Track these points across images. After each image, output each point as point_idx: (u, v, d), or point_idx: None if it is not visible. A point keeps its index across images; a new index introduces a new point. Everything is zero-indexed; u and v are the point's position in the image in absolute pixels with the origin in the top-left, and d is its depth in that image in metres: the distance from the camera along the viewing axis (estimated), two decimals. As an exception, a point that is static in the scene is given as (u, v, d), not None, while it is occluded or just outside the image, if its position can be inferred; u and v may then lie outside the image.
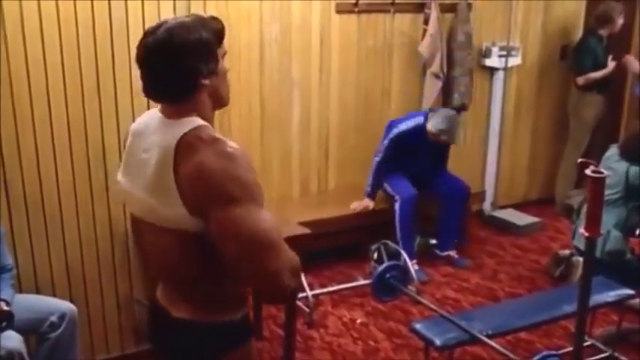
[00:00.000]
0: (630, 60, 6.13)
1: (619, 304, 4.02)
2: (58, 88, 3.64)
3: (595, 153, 5.59)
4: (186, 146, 1.86)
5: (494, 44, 5.99)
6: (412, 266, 5.01)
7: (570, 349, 3.05)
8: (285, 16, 4.87)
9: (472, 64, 5.80)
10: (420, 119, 5.15)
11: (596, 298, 3.68)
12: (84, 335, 3.82)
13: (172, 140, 1.88)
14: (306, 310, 4.48)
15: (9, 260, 3.46)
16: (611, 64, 6.03)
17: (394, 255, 4.76)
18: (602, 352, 3.96)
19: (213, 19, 1.98)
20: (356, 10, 5.20)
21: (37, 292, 3.74)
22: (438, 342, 3.39)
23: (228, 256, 1.83)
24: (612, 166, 4.18)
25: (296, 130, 5.16)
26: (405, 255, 4.84)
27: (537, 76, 6.47)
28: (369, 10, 5.28)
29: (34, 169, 3.66)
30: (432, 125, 5.06)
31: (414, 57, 5.56)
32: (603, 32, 6.05)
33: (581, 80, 6.10)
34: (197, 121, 1.92)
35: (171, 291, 2.10)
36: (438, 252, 5.41)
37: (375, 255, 4.84)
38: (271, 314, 4.42)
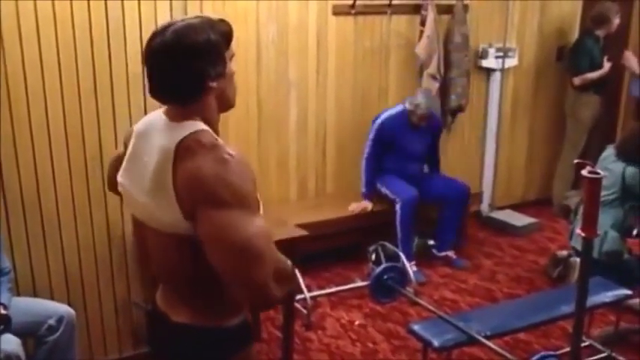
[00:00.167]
0: (628, 56, 6.13)
1: (617, 305, 4.03)
2: (55, 90, 3.64)
3: (592, 153, 5.60)
4: (185, 150, 1.85)
5: (490, 45, 6.00)
6: (410, 267, 5.01)
7: (568, 349, 3.04)
8: (281, 17, 4.87)
9: (469, 66, 5.81)
10: (400, 106, 5.24)
11: (594, 299, 3.69)
12: (82, 338, 3.82)
13: (172, 143, 1.87)
14: (304, 311, 4.47)
15: (6, 263, 3.45)
16: (607, 65, 6.04)
17: (392, 256, 4.76)
18: (600, 352, 3.96)
19: (222, 21, 1.96)
20: (353, 11, 5.20)
21: (35, 295, 3.73)
22: (436, 343, 3.40)
23: (215, 262, 1.82)
24: (609, 166, 4.19)
25: (293, 131, 5.16)
26: (403, 256, 4.84)
27: (534, 77, 6.47)
28: (366, 11, 5.28)
29: (32, 173, 3.66)
30: (409, 103, 5.15)
31: (410, 58, 5.56)
32: (600, 33, 6.05)
33: (577, 81, 6.10)
34: (199, 125, 1.91)
35: (170, 294, 2.09)
36: (435, 252, 5.41)
37: (373, 256, 4.84)
38: (269, 316, 4.42)
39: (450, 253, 5.39)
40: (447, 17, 5.64)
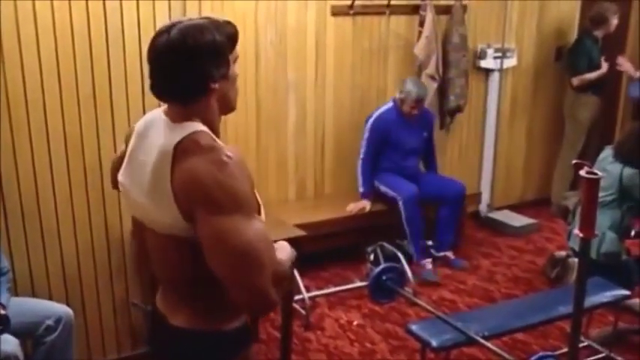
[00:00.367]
0: (622, 61, 6.15)
1: (615, 305, 4.03)
2: (54, 96, 3.64)
3: (590, 154, 5.61)
4: (183, 151, 1.84)
5: (489, 46, 6.00)
6: (426, 265, 5.03)
7: (567, 349, 3.04)
8: (280, 18, 4.87)
9: (467, 66, 5.81)
10: (389, 102, 5.29)
11: (592, 299, 3.69)
12: (80, 339, 3.82)
13: (170, 144, 1.86)
14: (303, 312, 4.48)
15: (5, 263, 3.44)
16: (605, 65, 6.05)
17: (391, 257, 4.77)
18: (599, 352, 3.97)
19: (227, 23, 1.95)
20: (351, 12, 5.20)
21: (34, 295, 3.73)
22: (434, 343, 3.40)
23: (214, 266, 1.81)
24: (607, 167, 4.19)
25: (292, 132, 5.16)
26: (414, 254, 5.00)
27: (532, 78, 6.48)
28: (365, 12, 5.29)
29: (31, 179, 3.65)
30: (399, 92, 5.20)
31: (409, 59, 5.56)
32: (598, 33, 6.06)
33: (576, 81, 6.11)
34: (198, 126, 1.90)
35: (170, 295, 2.08)
36: (434, 252, 5.40)
37: (372, 257, 4.85)
38: (268, 317, 4.42)
39: (449, 254, 5.40)
40: (445, 17, 5.65)
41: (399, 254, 4.80)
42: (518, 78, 6.38)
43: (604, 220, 4.13)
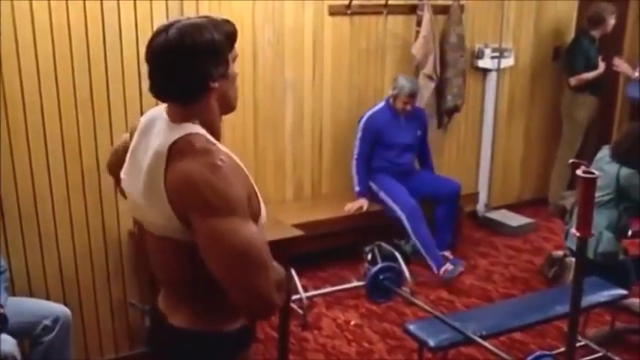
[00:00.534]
0: (619, 62, 6.16)
1: (612, 305, 4.04)
2: (52, 98, 3.66)
3: (588, 154, 5.61)
4: (176, 152, 1.83)
5: (486, 45, 6.00)
6: (447, 268, 5.04)
7: (564, 349, 3.05)
8: (277, 18, 4.87)
9: (465, 66, 5.81)
10: (381, 102, 5.31)
11: (590, 299, 3.69)
12: (77, 339, 3.82)
13: (165, 145, 1.85)
14: (300, 311, 4.48)
15: (2, 263, 3.44)
16: (602, 65, 6.05)
17: (388, 256, 4.77)
18: (596, 352, 3.97)
19: (226, 21, 1.94)
20: (348, 12, 5.20)
21: (31, 295, 3.73)
22: (431, 343, 3.40)
23: (213, 270, 1.80)
24: (604, 167, 4.19)
25: (289, 131, 5.16)
26: (432, 264, 5.03)
27: (530, 78, 6.48)
28: (362, 12, 5.28)
29: (28, 180, 3.67)
30: (392, 89, 5.22)
31: (406, 59, 5.56)
32: (595, 33, 6.07)
33: (573, 81, 6.12)
34: (195, 128, 1.88)
35: (171, 296, 2.07)
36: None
37: (369, 256, 4.85)
38: (265, 316, 4.42)
39: (447, 253, 5.40)
40: (442, 17, 5.65)
41: (397, 254, 4.80)
42: (516, 78, 6.39)
43: (601, 220, 4.14)
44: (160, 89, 1.91)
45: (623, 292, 3.97)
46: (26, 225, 3.69)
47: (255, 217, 1.91)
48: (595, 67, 6.06)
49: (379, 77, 5.46)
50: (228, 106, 2.00)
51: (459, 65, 5.72)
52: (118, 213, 3.92)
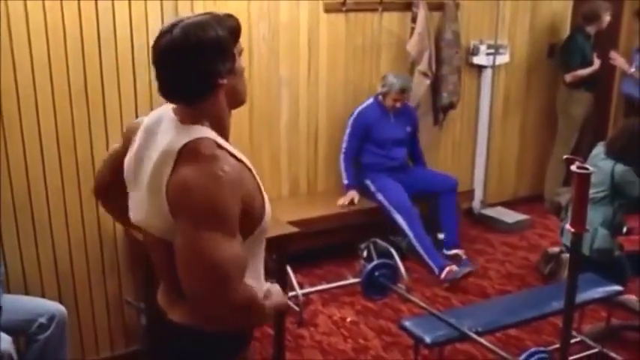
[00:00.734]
0: (615, 56, 6.17)
1: (608, 301, 4.05)
2: (46, 91, 3.65)
3: (583, 151, 5.63)
4: (185, 156, 1.83)
5: (482, 42, 6.00)
6: (452, 269, 5.00)
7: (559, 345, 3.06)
8: (273, 16, 4.86)
9: (460, 63, 5.81)
10: (369, 99, 5.34)
11: (585, 295, 3.71)
12: (73, 336, 3.82)
13: (175, 147, 1.84)
14: (296, 308, 4.48)
15: (-3, 259, 3.45)
16: (597, 61, 6.06)
17: (384, 253, 4.77)
18: (591, 348, 3.98)
19: (229, 16, 1.93)
20: (344, 9, 5.20)
21: (26, 293, 3.73)
22: (427, 339, 3.41)
23: (180, 273, 1.81)
24: (598, 164, 4.20)
25: (285, 128, 5.15)
26: (433, 266, 4.99)
27: (525, 74, 6.48)
28: (357, 9, 5.28)
29: (22, 174, 3.66)
30: (381, 86, 5.25)
31: (402, 55, 5.56)
32: (590, 30, 6.08)
33: (568, 78, 6.13)
34: (205, 131, 1.88)
35: (170, 292, 2.06)
36: (445, 251, 5.33)
37: (365, 253, 4.85)
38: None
39: (460, 252, 5.35)
40: (438, 14, 5.64)
41: (392, 250, 4.81)
42: (511, 74, 6.39)
43: (596, 216, 4.15)
44: (169, 90, 1.91)
45: (619, 288, 3.99)
46: (21, 218, 3.68)
47: (259, 219, 1.93)
48: (590, 63, 6.07)
49: (374, 74, 5.45)
50: (237, 101, 2.00)
51: (455, 62, 5.71)
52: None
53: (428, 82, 5.56)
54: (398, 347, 4.24)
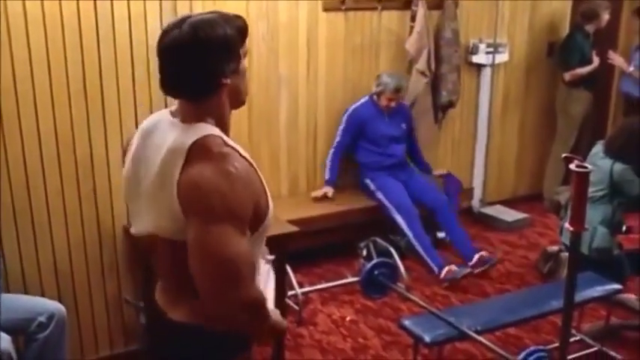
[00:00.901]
0: (613, 56, 6.18)
1: (607, 299, 4.05)
2: (45, 90, 3.64)
3: (582, 149, 5.62)
4: (195, 153, 1.83)
5: (481, 41, 6.00)
6: (450, 269, 4.99)
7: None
8: (272, 14, 4.86)
9: (459, 61, 5.81)
10: (364, 98, 5.34)
11: (584, 294, 3.71)
12: (73, 336, 3.82)
13: (184, 144, 1.84)
14: (296, 307, 4.48)
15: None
16: (596, 60, 6.06)
17: (383, 252, 4.77)
18: (591, 346, 3.98)
19: (237, 17, 1.93)
20: (343, 7, 5.19)
21: (25, 292, 3.73)
22: (427, 338, 3.41)
23: (192, 269, 1.80)
24: (597, 163, 4.20)
25: (284, 127, 5.15)
26: (433, 266, 4.98)
27: (525, 73, 6.48)
28: (356, 7, 5.27)
29: (22, 173, 3.66)
30: (375, 86, 5.25)
31: (401, 54, 5.56)
32: (589, 28, 6.08)
33: (568, 76, 6.12)
34: (211, 129, 1.89)
35: (170, 291, 2.07)
36: (470, 268, 5.15)
37: (364, 252, 4.85)
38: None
39: (484, 253, 5.25)
40: (437, 13, 5.64)
41: (392, 249, 4.81)
42: (511, 73, 6.38)
43: (595, 215, 4.14)
44: (172, 85, 1.92)
45: (618, 286, 3.98)
46: (20, 217, 3.68)
47: (263, 217, 1.93)
48: (589, 62, 6.07)
49: (373, 73, 5.44)
50: (238, 101, 2.01)
51: (454, 61, 5.71)
52: (113, 206, 3.92)
53: (425, 81, 5.56)
54: (397, 346, 4.24)
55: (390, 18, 5.50)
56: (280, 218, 4.00)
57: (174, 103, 2.03)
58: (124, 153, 2.10)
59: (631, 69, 6.10)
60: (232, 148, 1.90)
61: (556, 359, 2.89)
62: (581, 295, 3.38)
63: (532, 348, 3.42)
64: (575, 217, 2.55)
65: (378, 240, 4.89)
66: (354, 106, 5.30)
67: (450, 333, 3.45)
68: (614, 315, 4.24)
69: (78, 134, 3.77)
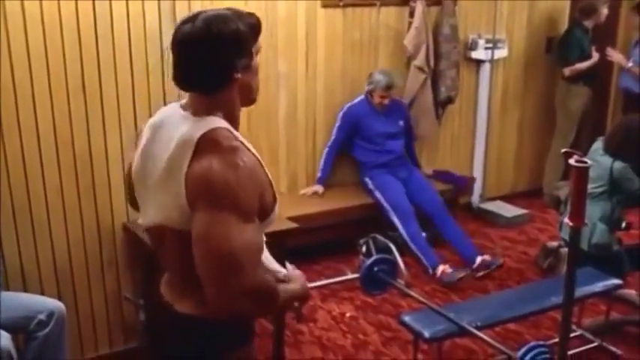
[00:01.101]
0: (612, 52, 6.18)
1: (607, 295, 4.04)
2: (43, 87, 3.64)
3: (582, 145, 5.62)
4: (204, 145, 1.85)
5: (480, 36, 6.00)
6: (445, 270, 4.99)
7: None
8: (271, 11, 4.85)
9: (458, 57, 5.80)
10: (359, 97, 5.33)
11: (584, 289, 3.70)
12: (72, 333, 3.82)
13: (194, 136, 1.86)
14: (295, 304, 4.46)
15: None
16: (595, 55, 6.06)
17: (383, 248, 4.76)
18: (591, 342, 3.97)
19: (250, 14, 1.97)
20: (341, 3, 5.19)
21: (25, 290, 3.73)
22: (426, 334, 3.40)
23: (196, 259, 1.81)
24: (597, 159, 4.19)
25: (283, 123, 5.14)
26: (427, 265, 4.99)
27: (524, 68, 6.48)
28: (355, 3, 5.27)
29: (20, 170, 3.66)
30: (367, 84, 5.26)
31: (399, 50, 5.55)
32: (588, 24, 6.07)
33: (567, 71, 6.12)
34: (221, 122, 1.91)
35: (176, 283, 2.07)
36: (473, 272, 5.10)
37: (364, 249, 4.84)
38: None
39: (486, 257, 5.18)
40: (436, 9, 5.64)
41: (391, 246, 4.80)
42: (509, 69, 6.38)
43: (595, 211, 4.14)
44: (185, 78, 1.93)
45: (618, 282, 3.98)
46: (19, 215, 3.68)
47: (268, 211, 1.94)
48: (588, 57, 6.07)
49: (372, 68, 5.43)
50: (249, 98, 2.03)
51: (453, 57, 5.71)
52: (112, 202, 3.92)
53: (424, 77, 5.55)
54: (397, 342, 4.24)
55: (389, 14, 5.49)
56: (280, 215, 4.00)
57: (173, 101, 2.04)
58: (135, 146, 2.10)
59: (630, 64, 6.10)
60: (241, 142, 1.92)
61: (556, 355, 2.88)
62: (581, 291, 3.37)
63: (532, 343, 3.41)
64: (575, 212, 2.54)
65: (378, 236, 4.87)
66: (349, 105, 5.31)
67: (450, 329, 3.45)
68: (614, 310, 4.24)
69: (76, 131, 3.77)
